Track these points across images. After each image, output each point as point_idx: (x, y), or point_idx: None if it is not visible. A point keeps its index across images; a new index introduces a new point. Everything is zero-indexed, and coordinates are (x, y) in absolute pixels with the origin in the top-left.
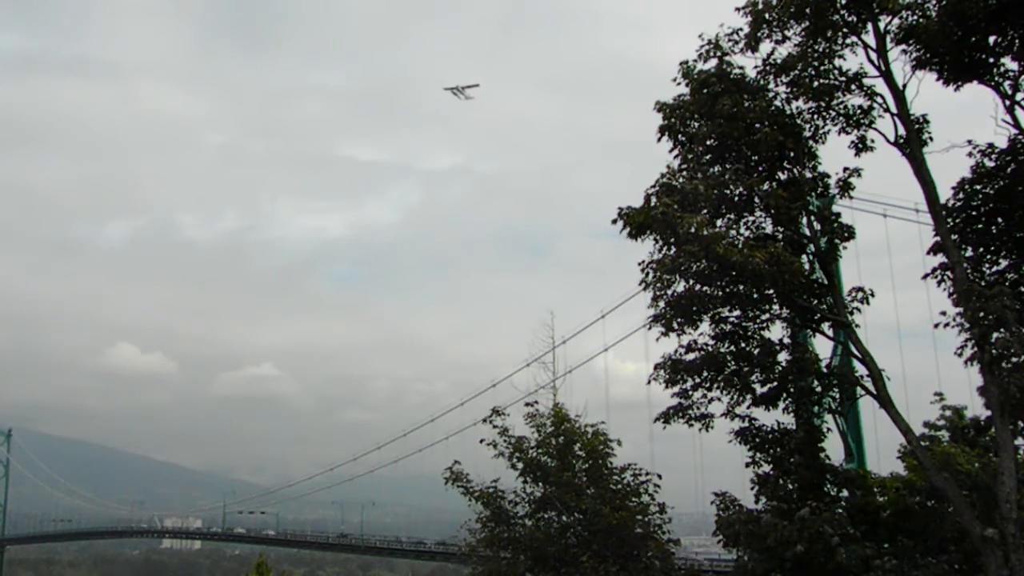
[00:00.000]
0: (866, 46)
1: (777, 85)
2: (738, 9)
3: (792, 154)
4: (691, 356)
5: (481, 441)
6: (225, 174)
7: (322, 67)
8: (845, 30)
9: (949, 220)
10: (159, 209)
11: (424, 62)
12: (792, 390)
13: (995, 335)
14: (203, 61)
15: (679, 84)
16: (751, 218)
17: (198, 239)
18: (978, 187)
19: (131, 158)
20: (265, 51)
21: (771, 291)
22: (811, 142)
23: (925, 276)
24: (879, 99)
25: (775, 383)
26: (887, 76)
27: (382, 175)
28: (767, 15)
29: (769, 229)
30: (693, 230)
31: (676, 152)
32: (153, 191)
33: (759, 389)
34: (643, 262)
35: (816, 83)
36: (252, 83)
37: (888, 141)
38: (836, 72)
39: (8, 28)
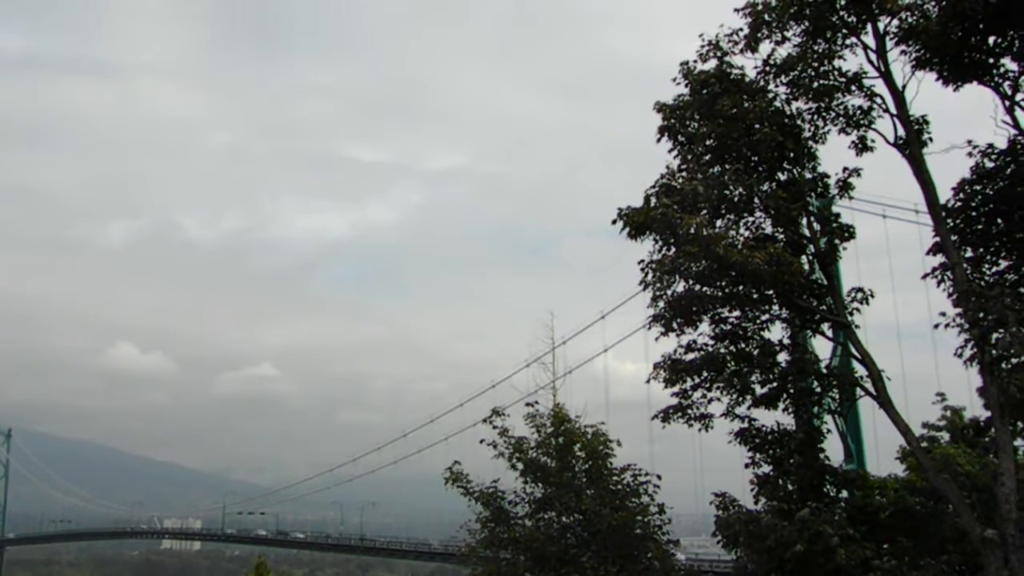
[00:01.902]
0: (866, 47)
1: (777, 86)
2: (737, 10)
3: (792, 154)
4: (691, 356)
5: (481, 441)
6: (227, 174)
7: (326, 67)
8: (845, 31)
9: (949, 221)
10: (160, 209)
11: (428, 63)
12: (792, 391)
13: (995, 336)
14: (206, 61)
15: (679, 84)
16: (751, 219)
17: (199, 239)
18: (978, 188)
19: (133, 158)
20: (268, 51)
21: (771, 291)
22: (811, 142)
23: (925, 276)
24: (879, 100)
25: (775, 383)
26: (887, 77)
27: (384, 175)
28: (766, 16)
29: (769, 230)
30: (693, 230)
31: (676, 152)
32: (155, 191)
33: (759, 389)
34: (643, 262)
35: (816, 83)
36: (255, 83)
37: (888, 142)
38: (836, 73)
39: (10, 28)
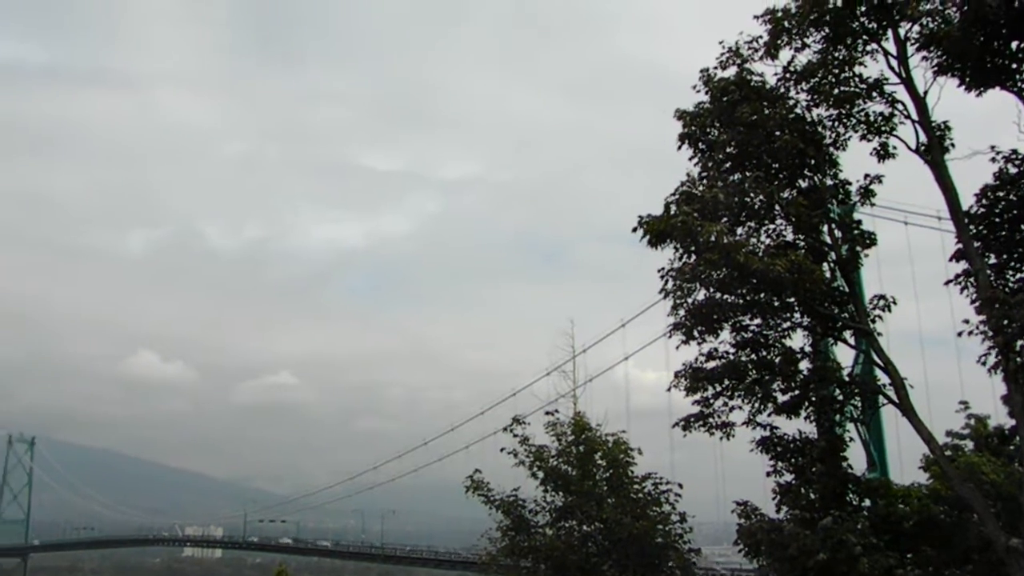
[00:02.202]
0: (886, 53)
1: (797, 92)
2: (757, 17)
3: (813, 161)
4: (712, 364)
5: (502, 450)
6: (245, 183)
7: (340, 74)
8: (865, 37)
9: (972, 227)
10: (180, 218)
11: (440, 68)
12: (814, 399)
13: (1019, 343)
14: (223, 69)
15: (699, 92)
16: (772, 226)
17: (218, 248)
18: (1001, 194)
19: (152, 167)
20: (283, 58)
21: (792, 299)
22: (832, 149)
23: (947, 283)
24: (900, 106)
25: (797, 392)
26: (908, 83)
27: (398, 184)
28: (786, 23)
29: (790, 237)
30: (713, 238)
31: (696, 160)
32: (174, 200)
33: (780, 397)
34: (663, 270)
35: (837, 90)
36: (271, 90)
37: (910, 148)
38: (856, 79)
39: (30, 39)
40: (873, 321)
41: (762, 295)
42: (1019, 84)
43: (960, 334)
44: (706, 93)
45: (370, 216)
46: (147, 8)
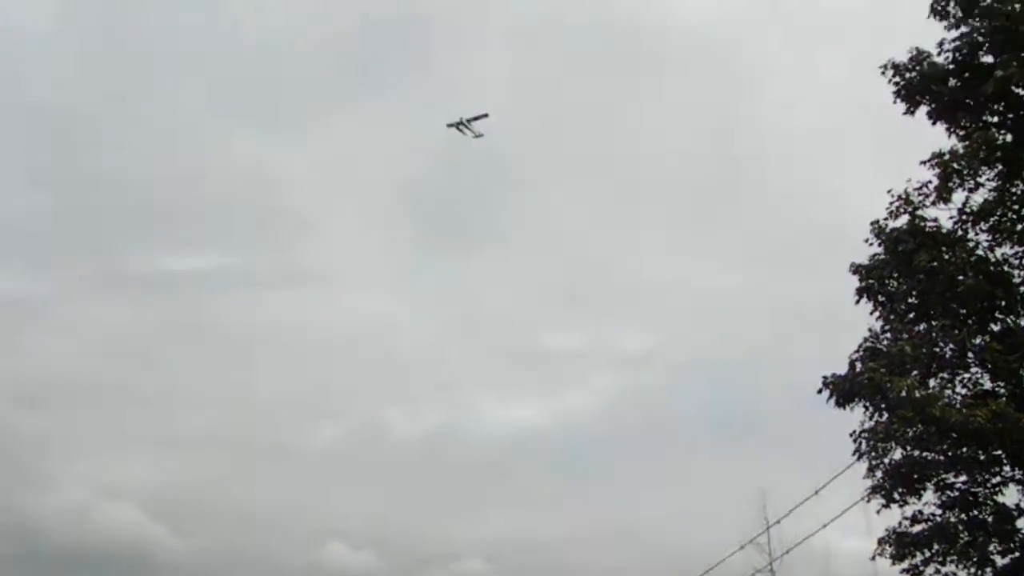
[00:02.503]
0: None
1: (976, 234)
2: (923, 162)
3: (1003, 303)
4: (917, 528)
5: None
6: (427, 372)
7: (518, 259)
8: None
9: None
10: (365, 409)
11: (617, 244)
12: None
13: None
14: (405, 264)
15: (871, 244)
16: (966, 375)
17: (403, 436)
18: None
19: (337, 363)
20: (463, 249)
21: (999, 451)
22: (1022, 288)
23: None
24: None
25: (1017, 553)
26: None
27: (578, 363)
28: (955, 164)
29: (988, 385)
30: (904, 393)
31: (877, 313)
32: (359, 393)
33: (1000, 561)
34: (855, 432)
35: (1019, 226)
36: (452, 281)
37: None
38: None
39: (220, 247)
40: None
41: (965, 449)
42: None
43: None
44: (879, 244)
45: (552, 396)
46: (330, 212)
